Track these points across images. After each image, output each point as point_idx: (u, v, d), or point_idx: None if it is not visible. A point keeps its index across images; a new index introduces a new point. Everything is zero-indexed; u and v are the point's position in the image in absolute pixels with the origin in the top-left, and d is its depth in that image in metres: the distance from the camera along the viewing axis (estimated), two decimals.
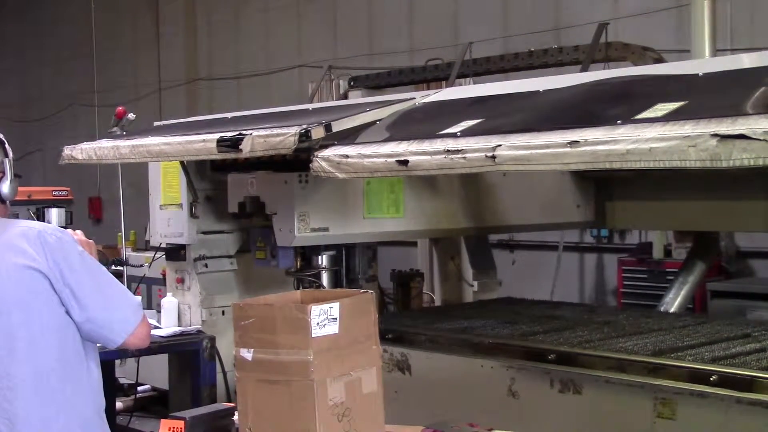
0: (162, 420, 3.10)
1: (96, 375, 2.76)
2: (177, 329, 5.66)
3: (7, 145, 2.84)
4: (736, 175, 4.42)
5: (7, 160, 2.80)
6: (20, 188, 2.97)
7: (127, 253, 8.19)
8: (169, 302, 5.79)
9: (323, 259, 5.14)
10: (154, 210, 6.08)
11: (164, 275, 6.34)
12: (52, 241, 2.63)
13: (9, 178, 2.78)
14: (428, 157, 3.41)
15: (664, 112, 2.95)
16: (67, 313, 2.64)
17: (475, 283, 6.12)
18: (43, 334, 2.60)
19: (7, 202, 2.81)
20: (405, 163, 3.48)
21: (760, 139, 2.51)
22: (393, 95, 5.24)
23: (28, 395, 2.59)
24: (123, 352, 4.83)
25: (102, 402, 2.78)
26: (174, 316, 5.76)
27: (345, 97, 8.86)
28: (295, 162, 4.51)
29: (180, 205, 5.86)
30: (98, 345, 2.79)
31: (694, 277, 5.68)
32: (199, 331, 5.68)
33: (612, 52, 7.18)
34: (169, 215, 5.93)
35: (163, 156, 4.81)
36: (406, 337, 4.56)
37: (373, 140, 3.82)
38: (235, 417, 3.03)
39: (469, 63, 7.98)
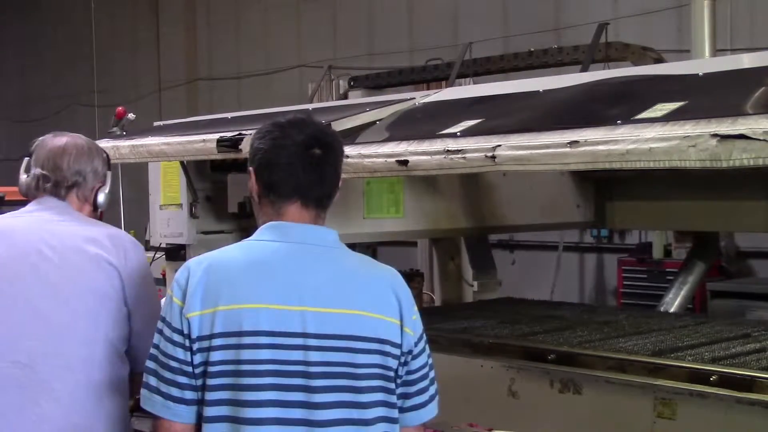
0: None
1: (127, 374, 2.83)
2: None
3: (111, 160, 3.06)
4: (736, 175, 4.42)
5: (109, 173, 2.99)
6: None
7: None
8: None
9: None
10: (154, 210, 6.08)
11: (164, 275, 6.34)
12: (130, 247, 2.80)
13: (107, 189, 2.97)
14: (428, 157, 3.41)
15: (664, 112, 2.95)
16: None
17: (475, 283, 6.10)
18: (104, 323, 2.70)
19: (98, 210, 2.98)
20: (405, 163, 3.48)
21: (760, 139, 2.51)
22: (393, 95, 5.24)
23: (80, 378, 2.65)
24: None
25: (128, 404, 2.87)
26: None
27: (345, 97, 8.87)
28: None
29: (180, 205, 5.85)
30: None
31: (694, 277, 5.68)
32: None
33: (612, 52, 7.19)
34: (169, 215, 5.93)
35: (163, 156, 4.81)
36: None
37: (373, 140, 3.82)
38: None
39: (469, 63, 7.99)
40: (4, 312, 2.64)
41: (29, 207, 2.88)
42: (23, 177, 2.91)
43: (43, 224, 2.78)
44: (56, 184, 2.86)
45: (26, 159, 2.92)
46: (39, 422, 2.60)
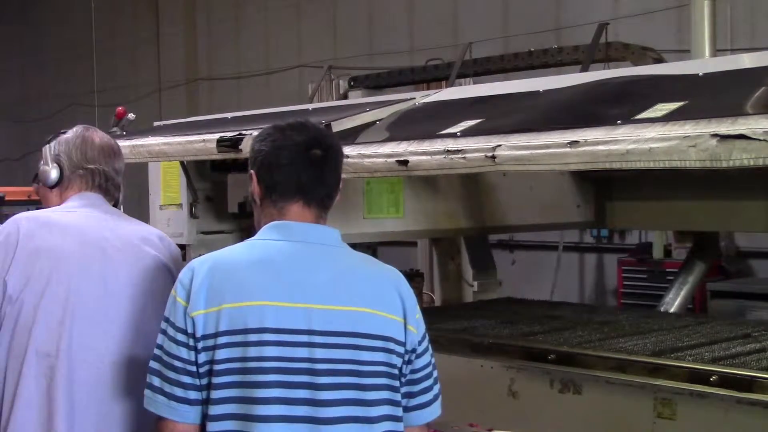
0: None
1: None
2: None
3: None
4: (736, 175, 4.42)
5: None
6: (20, 188, 3.04)
7: None
8: None
9: None
10: (154, 210, 6.08)
11: None
12: (174, 248, 2.84)
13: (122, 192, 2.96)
14: (428, 157, 3.41)
15: (664, 112, 2.95)
16: None
17: (475, 283, 6.10)
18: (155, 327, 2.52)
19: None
20: (405, 163, 3.48)
21: (760, 139, 2.51)
22: (393, 95, 5.24)
23: (123, 383, 2.62)
24: None
25: None
26: None
27: (345, 97, 8.87)
28: None
29: (180, 205, 5.86)
30: None
31: (694, 277, 5.67)
32: None
33: (612, 52, 7.20)
34: (169, 215, 5.93)
35: (163, 156, 4.81)
36: None
37: (373, 140, 3.82)
38: None
39: (469, 63, 8.00)
40: (85, 311, 2.60)
41: (74, 203, 2.77)
42: (54, 169, 2.79)
43: (102, 222, 2.74)
44: (113, 183, 2.84)
45: (47, 147, 2.82)
46: (111, 421, 2.59)
